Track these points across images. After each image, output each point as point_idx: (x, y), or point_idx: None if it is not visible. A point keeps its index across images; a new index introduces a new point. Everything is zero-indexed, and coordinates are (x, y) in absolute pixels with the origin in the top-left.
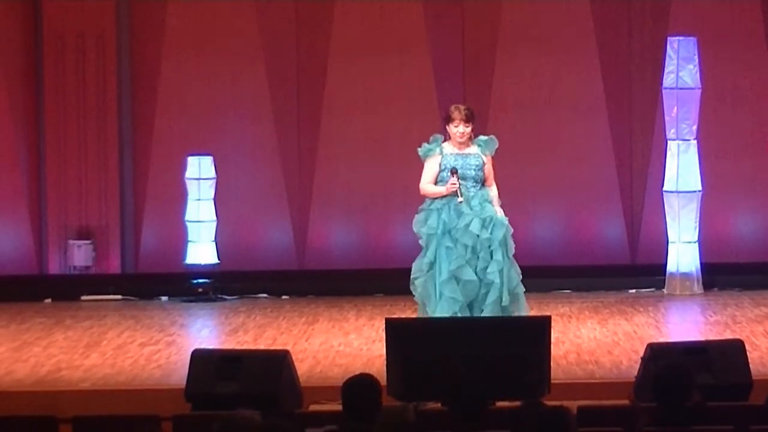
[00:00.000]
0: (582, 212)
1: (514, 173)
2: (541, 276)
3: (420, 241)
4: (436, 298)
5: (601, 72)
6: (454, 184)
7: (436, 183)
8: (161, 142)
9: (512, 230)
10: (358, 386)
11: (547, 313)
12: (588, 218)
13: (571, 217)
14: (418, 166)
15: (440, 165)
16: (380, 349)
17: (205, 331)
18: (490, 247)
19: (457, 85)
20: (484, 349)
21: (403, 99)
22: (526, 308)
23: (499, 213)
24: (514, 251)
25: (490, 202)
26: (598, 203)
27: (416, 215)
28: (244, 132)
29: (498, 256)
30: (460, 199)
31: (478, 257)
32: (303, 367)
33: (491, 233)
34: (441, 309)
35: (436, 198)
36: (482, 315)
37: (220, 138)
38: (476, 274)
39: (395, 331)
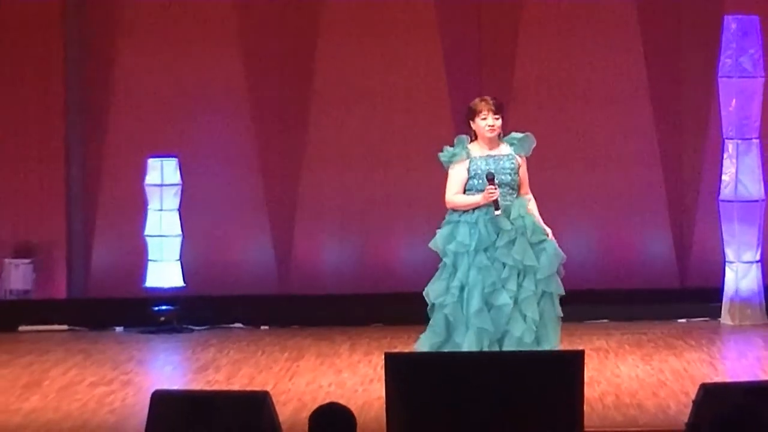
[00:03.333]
0: (621, 226)
1: (540, 179)
2: (572, 302)
3: (443, 261)
4: (466, 328)
5: (645, 58)
6: (492, 192)
7: (465, 192)
8: (117, 142)
9: (564, 258)
10: (328, 418)
11: (580, 347)
12: (628, 233)
13: (608, 231)
14: (425, 170)
15: (469, 170)
16: (379, 389)
17: (168, 368)
18: (536, 274)
19: (473, 74)
20: (505, 391)
21: (408, 91)
22: (557, 343)
23: (550, 235)
24: (562, 290)
25: (532, 216)
26: (640, 215)
27: (439, 230)
28: (215, 129)
29: (531, 285)
30: (497, 211)
31: (520, 285)
32: (286, 412)
33: (539, 261)
34: (469, 342)
35: (467, 210)
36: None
37: (187, 137)
38: (514, 300)
39: (397, 367)
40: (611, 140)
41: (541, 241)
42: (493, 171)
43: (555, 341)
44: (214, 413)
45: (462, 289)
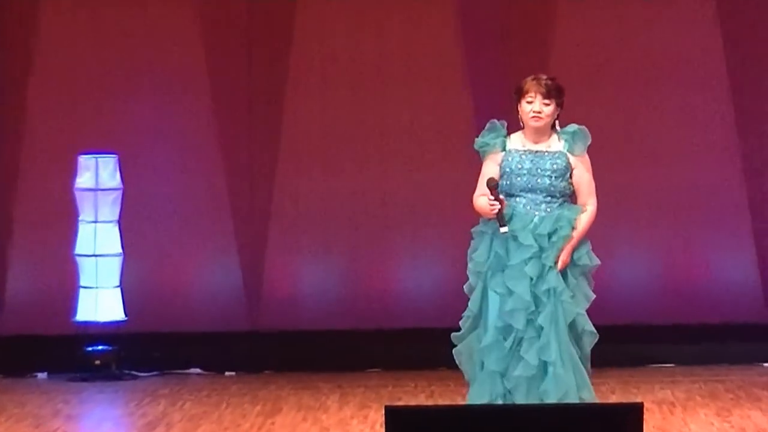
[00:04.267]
0: (690, 242)
1: None
2: (628, 341)
3: (468, 291)
4: (478, 370)
5: (720, 29)
6: (494, 204)
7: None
8: (37, 135)
9: (591, 298)
10: None
11: (638, 399)
12: (701, 252)
13: (673, 250)
14: (435, 171)
15: (501, 166)
16: None
17: (106, 425)
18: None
19: (494, 49)
20: None
21: (411, 69)
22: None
23: (560, 263)
24: (591, 333)
25: (563, 239)
26: (715, 229)
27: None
28: (166, 119)
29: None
30: (503, 228)
31: (538, 312)
32: None
33: (547, 298)
34: (479, 389)
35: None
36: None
37: (129, 128)
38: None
39: (402, 425)
40: (679, 133)
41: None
42: (520, 171)
43: (581, 392)
44: None
45: (476, 320)
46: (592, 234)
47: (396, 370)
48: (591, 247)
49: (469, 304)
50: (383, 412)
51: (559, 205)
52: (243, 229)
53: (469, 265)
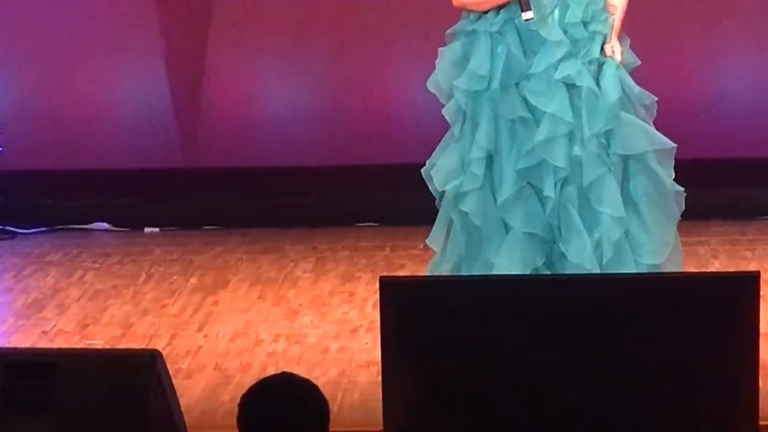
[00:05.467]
0: None
1: None
2: (722, 185)
3: (450, 111)
4: (499, 233)
5: None
6: None
7: None
8: None
9: (653, 100)
10: (275, 404)
11: (751, 267)
12: None
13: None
14: None
15: None
16: (365, 352)
17: None
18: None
19: None
20: (607, 347)
21: None
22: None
23: (617, 54)
24: (658, 142)
25: (603, 23)
26: None
27: (442, 49)
28: None
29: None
30: (526, 14)
31: (581, 139)
32: (195, 389)
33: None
34: (509, 256)
35: (485, 12)
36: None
37: None
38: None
39: (403, 304)
40: None
41: (597, 60)
42: None
43: (663, 256)
44: (57, 387)
45: (489, 161)
46: (662, 42)
47: (396, 225)
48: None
49: (478, 136)
50: (377, 285)
51: None
52: (170, 24)
53: (458, 83)
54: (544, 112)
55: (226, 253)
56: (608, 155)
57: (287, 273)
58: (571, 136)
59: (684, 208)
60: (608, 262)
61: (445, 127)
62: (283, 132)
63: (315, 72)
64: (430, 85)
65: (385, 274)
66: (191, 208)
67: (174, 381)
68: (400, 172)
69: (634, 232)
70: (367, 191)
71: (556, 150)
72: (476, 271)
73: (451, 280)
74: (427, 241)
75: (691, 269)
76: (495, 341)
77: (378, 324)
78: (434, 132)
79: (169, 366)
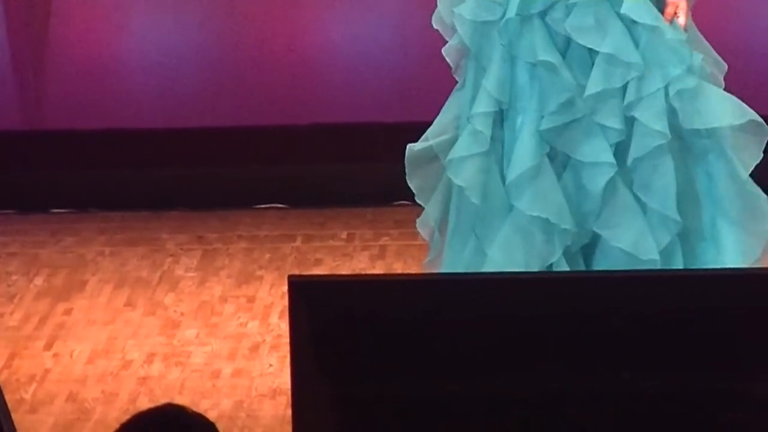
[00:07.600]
0: None
1: None
2: None
3: (447, 47)
4: (503, 215)
5: None
6: None
7: None
8: None
9: (724, 67)
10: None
11: None
12: None
13: None
14: None
15: None
16: (269, 377)
17: None
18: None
19: None
20: (642, 360)
21: None
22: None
23: (681, 18)
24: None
25: None
26: None
27: None
28: None
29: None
30: None
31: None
32: (42, 427)
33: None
34: (507, 250)
35: None
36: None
37: None
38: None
39: (319, 312)
40: None
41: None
42: None
43: (735, 247)
44: None
45: (501, 116)
46: None
47: (309, 207)
48: None
49: (489, 84)
50: (285, 288)
51: None
52: None
53: (461, 12)
54: (589, 53)
55: (80, 244)
56: (668, 128)
57: (164, 271)
58: (624, 89)
59: None
60: None
61: (392, 78)
62: (156, 85)
63: (203, 4)
64: (435, 20)
65: (295, 272)
66: (33, 185)
67: (14, 416)
68: (318, 134)
69: (693, 240)
70: (270, 161)
71: (611, 104)
72: (462, 267)
73: (386, 280)
74: (417, 225)
75: None
76: (450, 363)
77: (286, 340)
78: (373, 83)
79: (7, 396)
